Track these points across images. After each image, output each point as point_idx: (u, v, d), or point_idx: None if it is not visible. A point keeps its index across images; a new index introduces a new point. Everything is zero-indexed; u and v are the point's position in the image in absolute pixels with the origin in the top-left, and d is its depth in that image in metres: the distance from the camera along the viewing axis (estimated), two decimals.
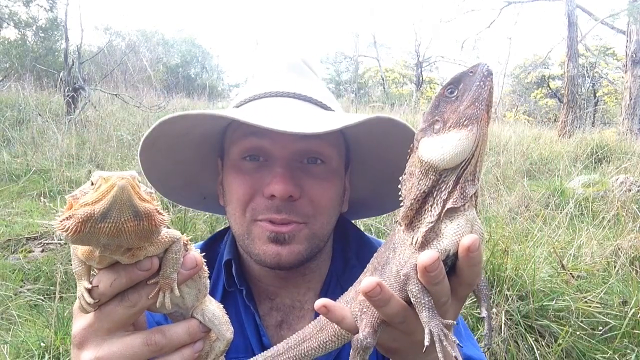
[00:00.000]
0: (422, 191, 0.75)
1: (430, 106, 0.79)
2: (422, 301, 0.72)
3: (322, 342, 0.87)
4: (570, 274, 3.54)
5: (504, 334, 2.99)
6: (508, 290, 3.19)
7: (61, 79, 8.75)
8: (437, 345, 0.70)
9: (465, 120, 0.73)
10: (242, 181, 1.08)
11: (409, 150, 0.80)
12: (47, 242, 4.35)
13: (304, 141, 1.04)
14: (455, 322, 0.77)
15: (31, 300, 3.47)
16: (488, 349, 0.81)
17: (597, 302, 3.19)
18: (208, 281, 0.82)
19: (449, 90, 0.77)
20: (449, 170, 0.74)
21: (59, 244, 4.24)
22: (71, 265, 0.75)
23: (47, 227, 4.47)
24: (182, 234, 0.76)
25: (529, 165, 7.58)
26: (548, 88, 25.48)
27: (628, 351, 2.91)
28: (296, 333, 0.91)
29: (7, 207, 5.09)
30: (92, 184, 0.62)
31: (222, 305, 0.85)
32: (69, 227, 0.59)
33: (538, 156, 8.05)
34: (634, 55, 11.83)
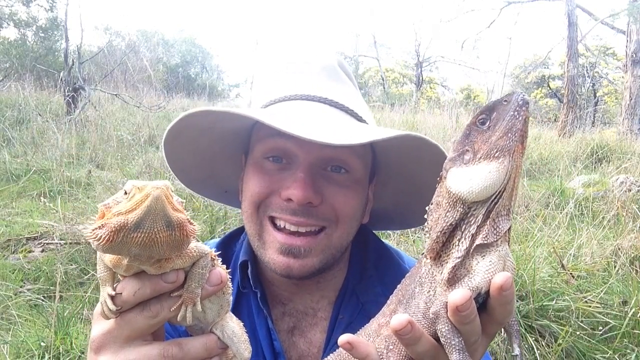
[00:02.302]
0: (449, 224, 0.72)
1: (461, 135, 0.76)
2: (452, 342, 0.68)
3: None
4: (570, 274, 3.54)
5: (504, 333, 2.98)
6: None
7: (61, 79, 8.76)
8: None
9: (496, 152, 0.69)
10: (261, 180, 1.06)
11: (437, 179, 0.77)
12: (47, 242, 4.35)
13: (330, 149, 1.02)
14: None
15: (31, 300, 3.47)
16: None
17: (597, 302, 3.19)
18: (231, 298, 0.81)
19: (481, 120, 0.74)
20: (479, 204, 0.71)
21: (59, 244, 4.24)
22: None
23: (47, 227, 4.48)
24: None
25: (529, 165, 7.58)
26: (548, 88, 25.48)
27: (628, 351, 2.90)
28: None
29: (7, 207, 5.09)
30: (126, 193, 0.62)
31: (242, 324, 0.84)
32: (101, 236, 0.59)
33: (538, 156, 8.05)
34: (634, 55, 11.83)
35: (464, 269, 0.71)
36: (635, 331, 2.98)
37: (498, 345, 2.98)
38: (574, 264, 3.72)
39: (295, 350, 1.14)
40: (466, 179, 0.70)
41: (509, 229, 0.72)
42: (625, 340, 2.96)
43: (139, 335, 0.73)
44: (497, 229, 0.70)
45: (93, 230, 0.60)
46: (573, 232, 4.25)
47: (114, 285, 0.71)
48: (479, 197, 0.70)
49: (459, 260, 0.71)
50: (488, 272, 0.69)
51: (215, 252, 0.78)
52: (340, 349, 0.85)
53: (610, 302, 3.22)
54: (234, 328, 0.80)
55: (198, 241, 0.72)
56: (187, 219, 0.64)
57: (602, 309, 3.16)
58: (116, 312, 0.70)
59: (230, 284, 0.80)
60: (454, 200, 0.72)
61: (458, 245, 0.72)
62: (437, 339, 0.72)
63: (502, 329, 0.80)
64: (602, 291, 3.27)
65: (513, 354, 0.78)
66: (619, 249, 3.93)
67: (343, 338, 0.75)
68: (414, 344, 0.71)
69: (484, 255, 0.70)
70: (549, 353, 2.95)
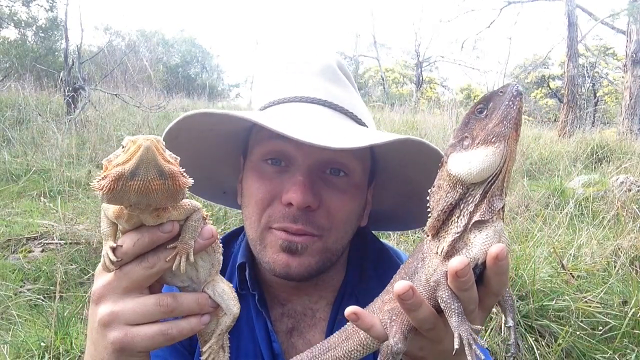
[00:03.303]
0: (449, 203, 0.78)
1: (460, 123, 0.82)
2: (452, 307, 0.74)
3: (347, 351, 0.88)
4: (570, 274, 3.54)
5: (504, 333, 2.99)
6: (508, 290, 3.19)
7: (61, 79, 8.75)
8: (466, 349, 0.72)
9: (493, 138, 0.76)
10: (261, 185, 1.06)
11: (439, 164, 0.83)
12: (47, 242, 4.35)
13: (330, 152, 1.02)
14: (482, 327, 0.78)
15: (31, 300, 3.47)
16: (514, 358, 0.86)
17: (597, 302, 3.19)
18: (221, 257, 0.87)
19: (479, 109, 0.80)
20: (476, 185, 0.77)
21: (59, 244, 4.24)
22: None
23: (47, 227, 4.47)
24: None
25: (529, 165, 7.58)
26: (548, 88, 25.50)
27: (628, 351, 2.91)
28: (321, 342, 0.91)
29: (7, 207, 5.08)
30: (123, 147, 0.68)
31: (232, 285, 0.89)
32: (104, 185, 0.65)
33: (538, 156, 8.05)
34: (634, 55, 11.83)
35: (462, 242, 0.78)
36: (635, 331, 2.98)
37: (498, 345, 2.98)
38: (574, 264, 3.72)
39: (294, 351, 1.13)
40: (465, 162, 0.77)
41: (503, 207, 0.79)
42: (625, 340, 2.96)
43: (137, 286, 0.78)
44: (492, 207, 0.77)
45: (98, 181, 0.67)
46: (573, 232, 4.24)
47: (116, 240, 0.77)
48: (476, 179, 0.76)
49: (458, 235, 0.78)
50: (485, 244, 0.76)
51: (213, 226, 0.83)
52: (346, 325, 0.90)
53: (610, 302, 3.22)
54: (223, 287, 0.86)
55: (190, 198, 0.78)
56: (180, 171, 0.69)
57: (602, 309, 3.16)
58: (116, 264, 0.76)
59: (220, 244, 0.86)
60: (454, 182, 0.78)
61: (457, 222, 0.78)
62: (439, 311, 0.77)
63: (497, 304, 0.86)
64: (602, 291, 3.27)
65: (507, 325, 0.85)
66: (619, 249, 3.93)
67: (350, 309, 0.80)
68: (416, 310, 0.75)
69: (481, 230, 0.77)
70: (549, 353, 2.95)
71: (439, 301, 0.76)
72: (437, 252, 0.79)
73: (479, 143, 0.77)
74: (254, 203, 1.07)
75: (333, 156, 1.05)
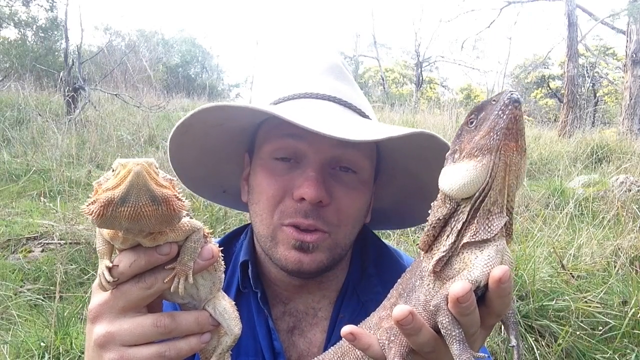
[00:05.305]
0: (437, 218, 0.75)
1: (455, 134, 0.79)
2: (453, 333, 0.70)
3: None
4: (570, 274, 3.54)
5: (504, 333, 2.99)
6: None
7: (61, 79, 8.74)
8: None
9: (475, 151, 0.71)
10: (272, 181, 1.07)
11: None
12: (47, 242, 4.35)
13: (340, 149, 1.03)
14: (485, 355, 0.74)
15: (31, 300, 3.47)
16: None
17: (597, 302, 3.19)
18: (223, 275, 0.85)
19: (470, 120, 0.76)
20: (466, 201, 0.73)
21: (59, 244, 4.23)
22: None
23: (47, 227, 4.47)
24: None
25: (529, 165, 7.58)
26: (548, 88, 25.48)
27: (628, 351, 2.90)
28: (316, 358, 0.90)
29: (7, 207, 5.08)
30: (113, 170, 0.66)
31: (234, 303, 0.87)
32: (93, 210, 0.63)
33: (538, 156, 8.05)
34: (634, 55, 11.83)
35: (462, 263, 0.73)
36: (635, 331, 2.98)
37: (498, 345, 2.98)
38: (574, 264, 3.72)
39: (295, 350, 1.14)
40: (449, 176, 0.74)
41: (510, 225, 0.74)
42: (625, 340, 2.96)
43: (134, 306, 0.76)
44: (490, 226, 0.72)
45: (87, 205, 0.65)
46: (573, 232, 4.24)
47: (112, 258, 0.75)
48: (459, 194, 0.73)
49: (444, 254, 0.74)
50: (487, 265, 0.71)
51: (215, 244, 0.80)
52: (341, 341, 0.87)
53: (610, 302, 3.22)
54: (225, 305, 0.84)
55: (191, 217, 0.75)
56: (175, 195, 0.67)
57: (602, 309, 3.16)
58: (113, 284, 0.74)
59: (222, 262, 0.84)
60: (443, 196, 0.75)
61: (446, 239, 0.75)
62: (437, 331, 0.74)
63: (500, 322, 0.82)
64: (602, 291, 3.27)
65: (510, 345, 0.81)
66: (619, 249, 3.93)
67: (346, 329, 0.78)
68: (415, 334, 0.73)
69: (482, 250, 0.72)
70: (549, 353, 2.95)
71: (439, 326, 0.72)
72: (434, 272, 0.76)
73: (463, 156, 0.72)
74: (265, 199, 1.07)
75: (344, 154, 1.05)
